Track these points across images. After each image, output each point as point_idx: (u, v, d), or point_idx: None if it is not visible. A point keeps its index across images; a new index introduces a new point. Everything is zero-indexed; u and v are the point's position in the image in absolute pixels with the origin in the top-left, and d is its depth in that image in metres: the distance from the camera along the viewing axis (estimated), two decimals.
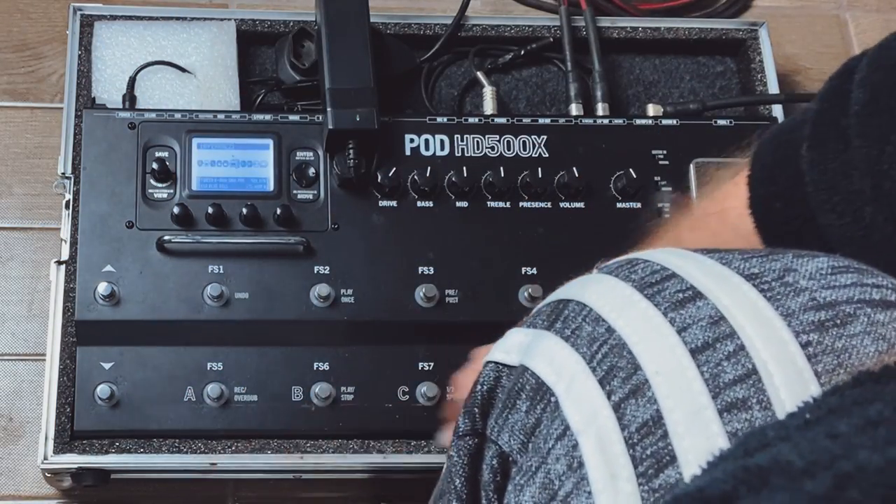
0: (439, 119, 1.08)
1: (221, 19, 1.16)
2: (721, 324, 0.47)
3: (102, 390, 0.97)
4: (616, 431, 0.47)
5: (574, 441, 0.48)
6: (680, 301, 0.49)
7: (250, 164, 1.04)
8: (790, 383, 0.45)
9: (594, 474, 0.47)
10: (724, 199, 0.70)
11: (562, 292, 0.55)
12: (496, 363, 0.57)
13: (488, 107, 1.15)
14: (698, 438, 0.45)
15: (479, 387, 0.57)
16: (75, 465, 0.97)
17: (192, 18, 1.15)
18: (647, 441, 0.46)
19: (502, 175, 1.05)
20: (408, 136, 1.07)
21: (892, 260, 0.51)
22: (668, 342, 0.48)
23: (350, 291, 1.01)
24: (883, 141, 0.56)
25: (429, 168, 1.05)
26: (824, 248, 0.59)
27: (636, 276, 0.52)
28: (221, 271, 1.00)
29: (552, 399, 0.50)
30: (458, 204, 1.06)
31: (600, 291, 0.52)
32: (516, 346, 0.55)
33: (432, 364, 1.02)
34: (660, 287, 0.50)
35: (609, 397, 0.48)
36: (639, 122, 1.11)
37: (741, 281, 0.49)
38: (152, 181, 1.02)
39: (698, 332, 0.47)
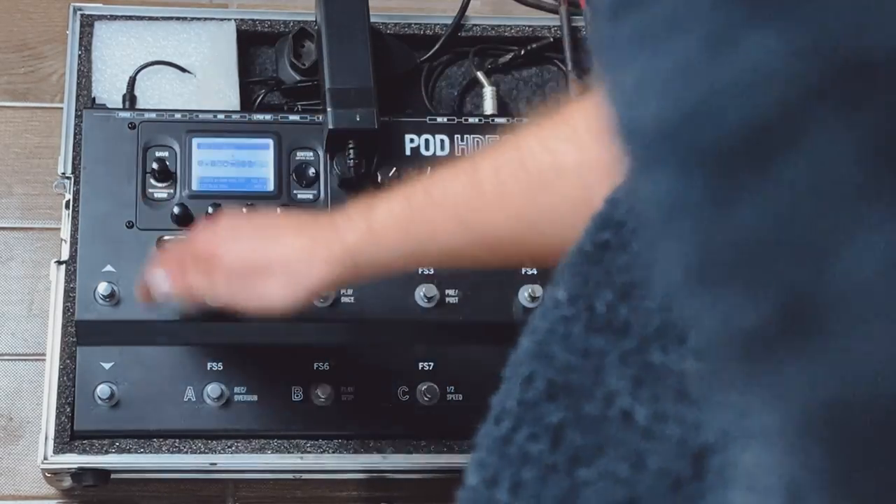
0: (439, 119, 1.08)
1: (221, 19, 1.16)
2: None
3: (102, 390, 0.97)
4: None
5: None
6: None
7: (250, 164, 1.04)
8: None
9: None
10: None
11: None
12: None
13: (488, 107, 1.15)
14: None
15: None
16: (75, 465, 0.97)
17: (192, 18, 1.15)
18: None
19: None
20: (408, 136, 1.07)
21: None
22: None
23: (350, 291, 1.01)
24: None
25: (429, 168, 1.05)
26: None
27: None
28: None
29: None
30: None
31: None
32: None
33: (432, 364, 1.02)
34: None
35: None
36: None
37: None
38: (152, 181, 1.02)
39: None
